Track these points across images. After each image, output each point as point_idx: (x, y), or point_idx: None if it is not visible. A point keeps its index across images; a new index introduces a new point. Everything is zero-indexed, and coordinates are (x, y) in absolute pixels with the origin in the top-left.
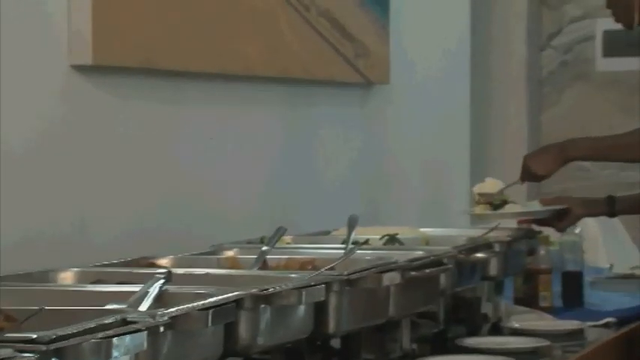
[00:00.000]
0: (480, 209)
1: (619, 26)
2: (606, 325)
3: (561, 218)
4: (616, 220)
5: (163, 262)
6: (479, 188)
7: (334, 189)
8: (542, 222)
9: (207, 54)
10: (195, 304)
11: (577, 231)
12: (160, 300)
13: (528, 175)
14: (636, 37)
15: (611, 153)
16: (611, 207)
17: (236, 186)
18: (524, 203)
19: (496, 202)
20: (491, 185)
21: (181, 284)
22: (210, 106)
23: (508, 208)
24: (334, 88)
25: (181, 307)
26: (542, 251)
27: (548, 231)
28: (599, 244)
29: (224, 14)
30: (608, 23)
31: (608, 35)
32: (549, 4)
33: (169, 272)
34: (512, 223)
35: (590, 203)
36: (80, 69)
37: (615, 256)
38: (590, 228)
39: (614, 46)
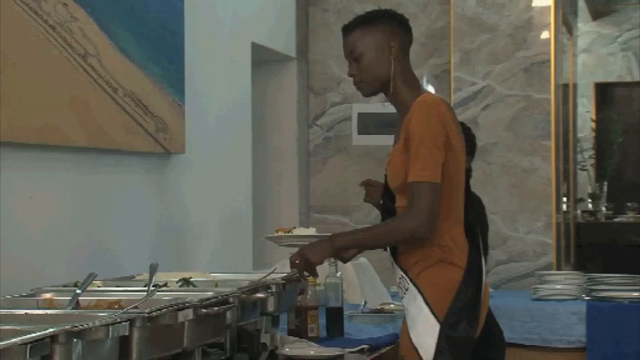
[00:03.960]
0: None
1: (371, 110)
2: (361, 351)
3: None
4: (369, 266)
5: None
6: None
7: (139, 240)
8: None
9: (28, 127)
10: (15, 339)
11: (338, 274)
12: None
13: (305, 262)
14: (384, 119)
15: (367, 242)
16: None
17: (53, 238)
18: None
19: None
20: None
21: (3, 323)
22: (32, 172)
23: (299, 232)
24: (138, 156)
25: (2, 342)
26: (310, 291)
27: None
28: (356, 285)
29: (43, 94)
30: (362, 107)
31: (362, 117)
32: (315, 91)
33: None
34: (287, 269)
35: None
36: None
37: (368, 295)
38: (349, 272)
39: (366, 125)
